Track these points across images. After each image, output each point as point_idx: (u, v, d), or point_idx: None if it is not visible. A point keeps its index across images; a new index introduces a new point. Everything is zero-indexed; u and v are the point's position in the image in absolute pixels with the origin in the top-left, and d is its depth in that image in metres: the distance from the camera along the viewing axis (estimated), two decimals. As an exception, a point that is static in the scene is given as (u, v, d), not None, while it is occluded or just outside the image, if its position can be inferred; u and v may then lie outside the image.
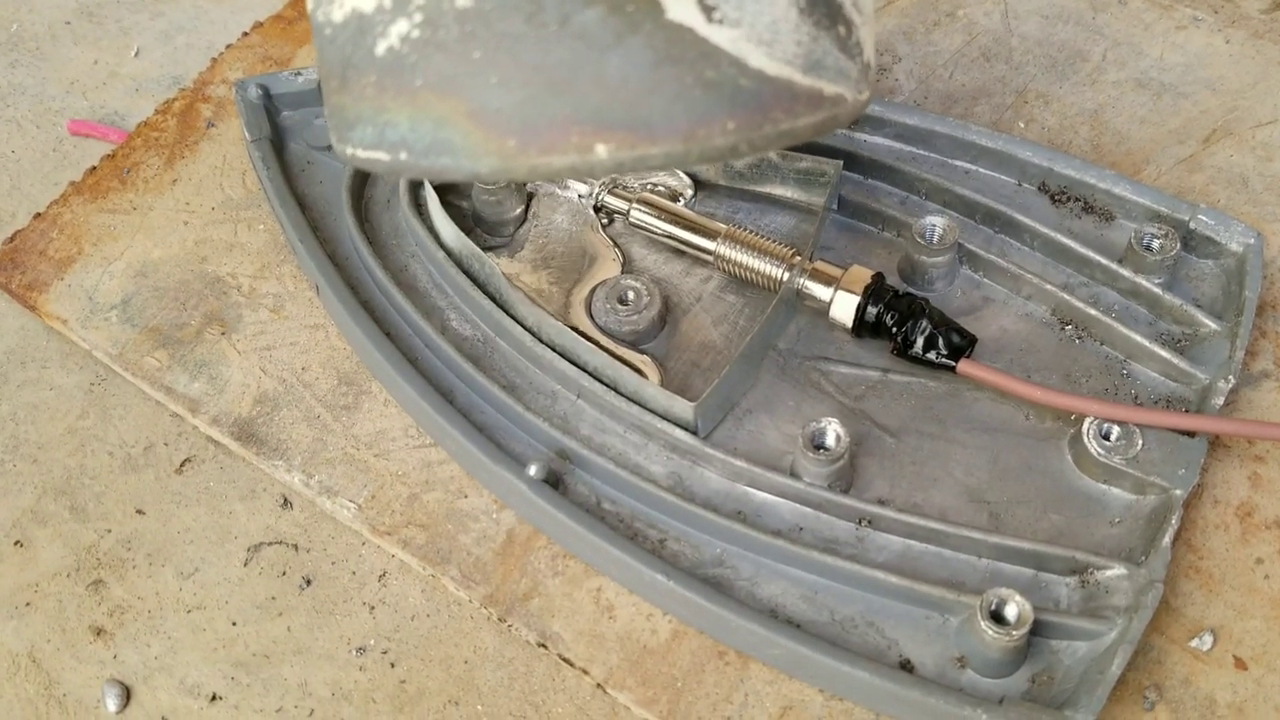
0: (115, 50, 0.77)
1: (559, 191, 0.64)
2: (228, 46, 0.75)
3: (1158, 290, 0.58)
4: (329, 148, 0.66)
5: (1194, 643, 0.51)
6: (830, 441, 0.53)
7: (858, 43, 0.40)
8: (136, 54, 0.77)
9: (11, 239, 0.66)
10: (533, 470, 0.54)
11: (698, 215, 0.61)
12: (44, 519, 0.57)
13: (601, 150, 0.36)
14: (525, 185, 0.64)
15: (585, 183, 0.64)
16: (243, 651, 0.53)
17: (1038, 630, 0.48)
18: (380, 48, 0.38)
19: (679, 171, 0.64)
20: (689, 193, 0.64)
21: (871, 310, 0.57)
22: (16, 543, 0.56)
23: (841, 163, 0.61)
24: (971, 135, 0.64)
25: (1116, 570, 0.50)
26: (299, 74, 0.68)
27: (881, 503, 0.53)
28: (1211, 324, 0.57)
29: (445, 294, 0.62)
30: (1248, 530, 0.54)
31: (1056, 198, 0.63)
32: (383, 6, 0.37)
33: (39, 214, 0.67)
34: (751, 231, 0.59)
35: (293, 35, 0.75)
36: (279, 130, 0.68)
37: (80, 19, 0.79)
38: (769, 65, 0.37)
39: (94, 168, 0.69)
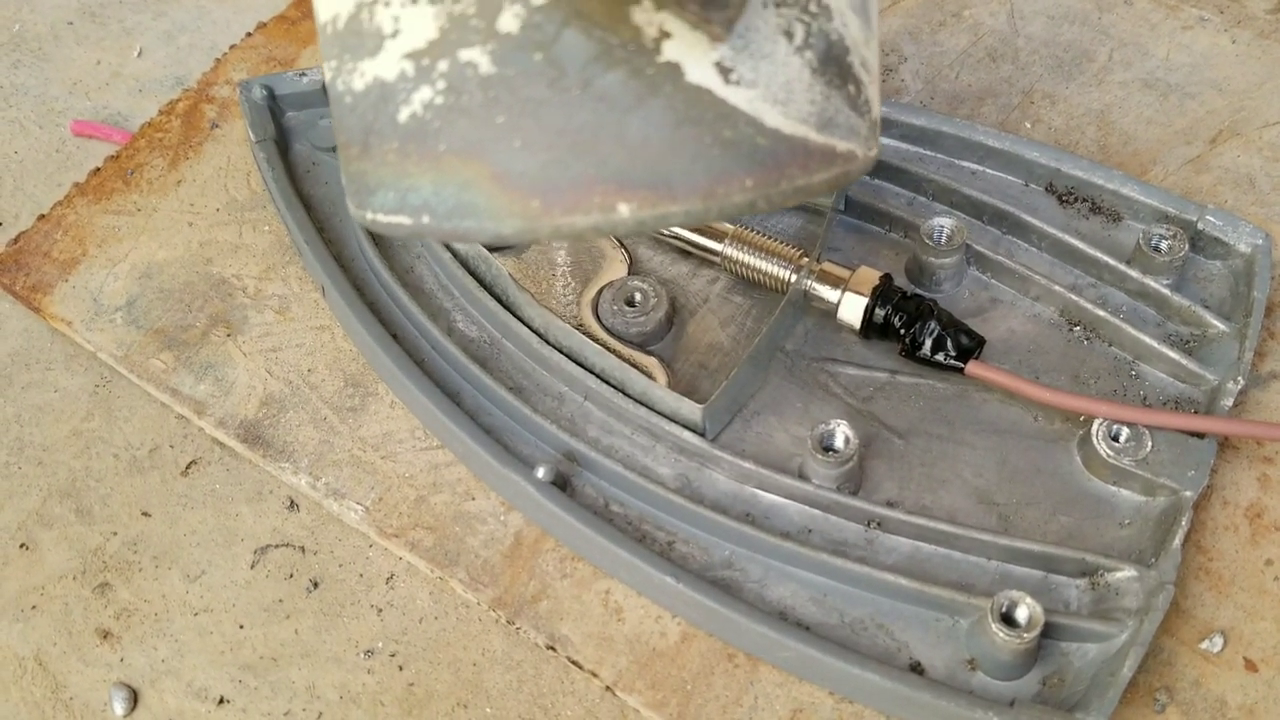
0: (118, 50, 0.77)
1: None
2: (231, 47, 0.75)
3: (1166, 291, 0.58)
4: (334, 149, 0.66)
5: (1204, 645, 0.51)
6: (839, 443, 0.53)
7: (866, 101, 0.41)
8: (139, 54, 0.77)
9: (15, 240, 0.66)
10: (540, 472, 0.54)
11: (705, 216, 0.61)
12: (49, 521, 0.57)
13: (624, 209, 0.37)
14: None
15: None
16: (250, 654, 0.53)
17: (1048, 632, 0.48)
18: (403, 114, 0.38)
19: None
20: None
21: (879, 312, 0.56)
22: (22, 545, 0.56)
23: (849, 163, 0.61)
24: (978, 136, 0.64)
25: (1126, 572, 0.50)
26: (303, 75, 0.67)
27: (890, 505, 0.53)
28: (1220, 325, 0.57)
29: (451, 295, 0.62)
30: (1257, 532, 0.54)
31: (1064, 198, 0.63)
32: (406, 74, 0.37)
33: (43, 215, 0.67)
34: (758, 233, 0.59)
35: (297, 35, 0.75)
36: (284, 131, 0.67)
37: (83, 19, 0.79)
38: (785, 124, 0.38)
39: (98, 169, 0.69)
